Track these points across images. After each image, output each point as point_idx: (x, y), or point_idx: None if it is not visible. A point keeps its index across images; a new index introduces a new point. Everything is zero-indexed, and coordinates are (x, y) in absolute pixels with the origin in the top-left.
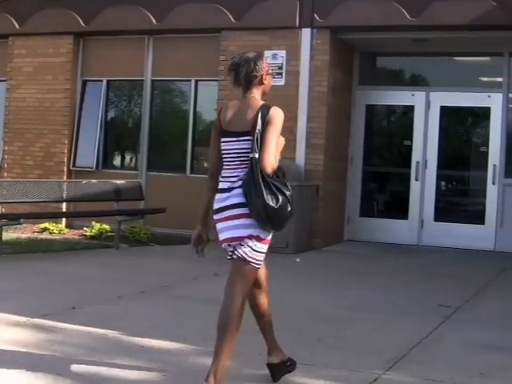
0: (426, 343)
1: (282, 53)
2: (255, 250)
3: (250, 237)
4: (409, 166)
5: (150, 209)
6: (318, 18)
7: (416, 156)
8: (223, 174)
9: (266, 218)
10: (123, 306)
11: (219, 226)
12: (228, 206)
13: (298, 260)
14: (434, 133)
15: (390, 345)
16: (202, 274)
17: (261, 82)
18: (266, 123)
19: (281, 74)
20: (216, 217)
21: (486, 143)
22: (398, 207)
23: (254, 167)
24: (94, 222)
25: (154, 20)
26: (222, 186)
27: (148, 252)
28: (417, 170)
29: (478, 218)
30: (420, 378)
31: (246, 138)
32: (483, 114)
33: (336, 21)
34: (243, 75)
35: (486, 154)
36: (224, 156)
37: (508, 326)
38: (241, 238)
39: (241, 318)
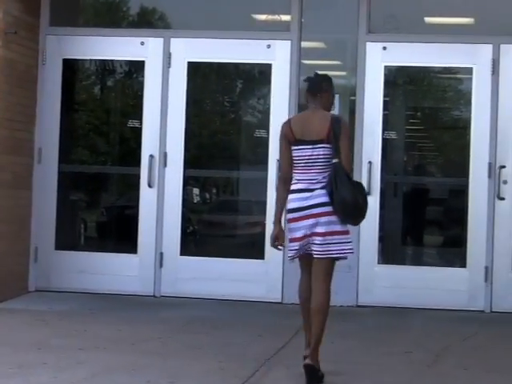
0: None
1: None
2: (344, 242)
3: (339, 232)
4: (138, 162)
5: None
6: None
7: (149, 146)
8: (298, 177)
9: (351, 214)
10: None
11: (304, 223)
12: (315, 204)
13: None
14: (179, 107)
15: None
16: None
17: (329, 98)
18: (339, 132)
19: None
20: (295, 215)
21: (266, 123)
22: (120, 233)
23: (337, 170)
24: None
25: None
26: (298, 186)
27: None
28: (150, 170)
29: (253, 247)
30: None
31: (320, 145)
32: (260, 74)
33: None
34: (319, 86)
35: (266, 142)
36: (297, 161)
37: None
38: (335, 233)
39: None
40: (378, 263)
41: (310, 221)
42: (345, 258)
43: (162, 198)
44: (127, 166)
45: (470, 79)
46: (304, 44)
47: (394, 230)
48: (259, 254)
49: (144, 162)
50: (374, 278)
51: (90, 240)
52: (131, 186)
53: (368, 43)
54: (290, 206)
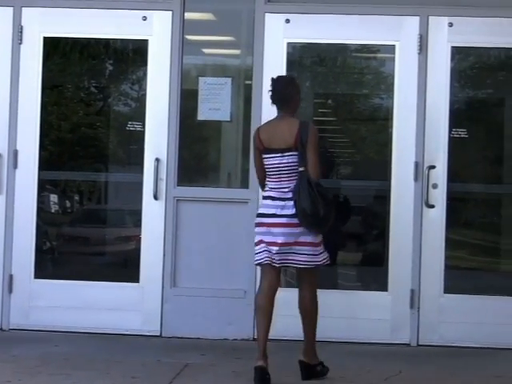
0: None
1: None
2: (315, 254)
3: (310, 243)
4: None
5: None
6: None
7: None
8: (270, 185)
9: (311, 223)
10: None
11: (276, 230)
12: (288, 214)
13: None
14: (33, 93)
15: None
16: None
17: (296, 102)
18: (306, 139)
19: None
20: (266, 220)
21: (142, 113)
22: None
23: (301, 179)
24: None
25: None
26: (270, 194)
27: None
28: None
29: (126, 267)
30: None
31: (289, 153)
32: (134, 53)
33: None
34: (282, 95)
35: (141, 137)
36: (268, 169)
37: None
38: (303, 243)
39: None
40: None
41: (288, 229)
42: (320, 267)
43: (11, 207)
44: None
45: (393, 59)
46: (188, 15)
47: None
48: (133, 276)
49: None
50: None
51: None
52: None
53: (267, 15)
54: (260, 210)
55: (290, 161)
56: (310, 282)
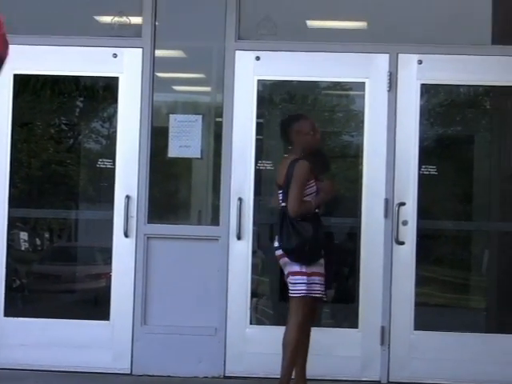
0: None
1: None
2: (292, 283)
3: (289, 274)
4: None
5: None
6: None
7: None
8: None
9: (291, 257)
10: None
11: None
12: (276, 246)
13: None
14: (3, 130)
15: None
16: None
17: (298, 143)
18: (291, 176)
19: None
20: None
21: (112, 150)
22: None
23: (280, 215)
24: None
25: None
26: None
27: None
28: None
29: (96, 305)
30: None
31: (281, 191)
32: (105, 90)
33: None
34: (284, 136)
35: (111, 174)
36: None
37: None
38: (287, 274)
39: (297, 343)
40: (251, 324)
41: (281, 261)
42: (295, 298)
43: None
44: None
45: (363, 96)
46: (158, 53)
47: (271, 281)
48: (103, 314)
49: None
50: (245, 343)
51: None
52: None
53: (238, 52)
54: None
55: (281, 198)
56: (292, 313)
